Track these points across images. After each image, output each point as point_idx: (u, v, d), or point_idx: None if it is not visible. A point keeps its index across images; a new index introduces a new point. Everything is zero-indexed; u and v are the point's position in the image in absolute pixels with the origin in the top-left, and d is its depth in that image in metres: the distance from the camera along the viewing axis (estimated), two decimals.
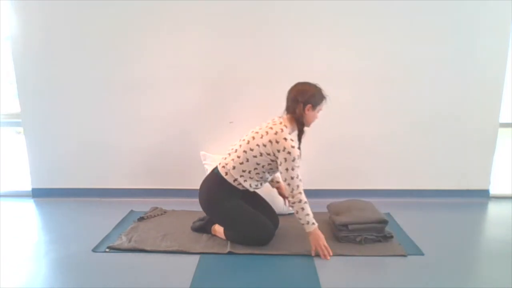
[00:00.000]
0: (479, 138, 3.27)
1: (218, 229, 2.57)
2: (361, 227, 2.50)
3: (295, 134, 2.44)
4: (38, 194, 3.42)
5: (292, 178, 2.31)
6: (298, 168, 2.32)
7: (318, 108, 2.43)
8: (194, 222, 2.73)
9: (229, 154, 2.50)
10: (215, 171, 2.53)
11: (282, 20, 3.09)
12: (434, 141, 3.27)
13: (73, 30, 3.13)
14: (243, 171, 2.42)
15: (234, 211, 2.45)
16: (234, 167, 2.43)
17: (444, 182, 3.34)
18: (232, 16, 3.09)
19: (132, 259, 2.35)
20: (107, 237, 2.63)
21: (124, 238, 2.57)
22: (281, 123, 2.39)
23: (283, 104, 2.45)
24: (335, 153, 3.29)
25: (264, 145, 2.34)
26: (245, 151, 2.40)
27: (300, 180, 2.34)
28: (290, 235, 2.60)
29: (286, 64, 3.12)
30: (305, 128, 2.46)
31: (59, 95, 3.24)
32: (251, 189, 2.49)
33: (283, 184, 2.46)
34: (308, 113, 2.39)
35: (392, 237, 2.54)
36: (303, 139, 2.47)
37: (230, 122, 3.25)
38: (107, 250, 2.45)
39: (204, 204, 2.54)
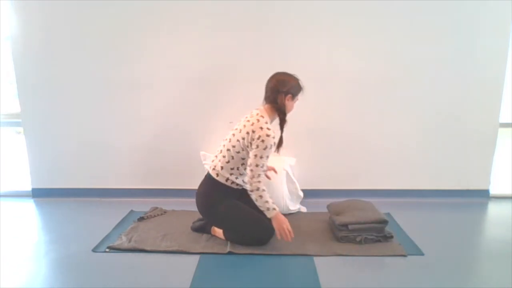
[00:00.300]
0: (479, 138, 3.27)
1: (218, 230, 2.57)
2: (361, 227, 2.50)
3: (276, 124, 2.44)
4: (38, 194, 3.42)
5: (257, 165, 2.30)
6: (267, 159, 2.31)
7: (296, 98, 2.46)
8: (194, 222, 2.73)
9: (216, 156, 2.52)
10: (207, 175, 2.54)
11: (282, 20, 3.09)
12: (434, 141, 3.27)
13: (73, 30, 3.14)
14: (231, 169, 2.43)
15: (232, 212, 2.46)
16: (222, 167, 2.44)
17: (444, 182, 3.34)
18: (232, 16, 3.09)
19: (132, 259, 2.35)
20: (107, 237, 2.63)
21: (124, 238, 2.57)
22: (257, 114, 2.40)
23: None
24: (335, 153, 3.28)
25: (243, 138, 2.36)
26: (228, 150, 2.43)
27: (264, 170, 2.34)
28: None
29: (286, 64, 3.08)
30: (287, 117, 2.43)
31: (59, 95, 3.24)
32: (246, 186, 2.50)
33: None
34: (288, 103, 2.41)
35: (392, 237, 2.54)
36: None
37: (230, 122, 3.23)
38: (107, 250, 2.45)
39: (202, 208, 2.54)
